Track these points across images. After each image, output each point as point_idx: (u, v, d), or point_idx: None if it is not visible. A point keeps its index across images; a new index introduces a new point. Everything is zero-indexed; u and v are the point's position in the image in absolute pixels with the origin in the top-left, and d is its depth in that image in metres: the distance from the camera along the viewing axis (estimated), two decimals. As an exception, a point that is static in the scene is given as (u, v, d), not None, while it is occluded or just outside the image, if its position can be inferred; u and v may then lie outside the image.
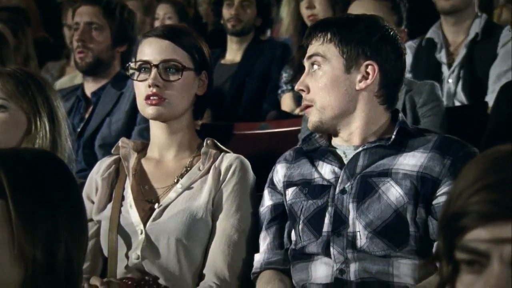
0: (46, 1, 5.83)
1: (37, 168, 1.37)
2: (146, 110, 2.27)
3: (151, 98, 2.25)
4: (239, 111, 3.82)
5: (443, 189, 1.99)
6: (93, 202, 2.31)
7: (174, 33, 2.30)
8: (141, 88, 2.27)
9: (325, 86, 2.09)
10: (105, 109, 3.19)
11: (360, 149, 2.09)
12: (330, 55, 2.10)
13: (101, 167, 2.35)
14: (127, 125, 3.10)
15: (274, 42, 4.17)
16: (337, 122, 2.11)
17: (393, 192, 2.01)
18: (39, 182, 1.35)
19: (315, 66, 2.12)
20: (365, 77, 2.09)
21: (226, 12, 4.02)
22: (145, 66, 2.27)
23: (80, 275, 1.39)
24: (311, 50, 2.14)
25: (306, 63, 2.15)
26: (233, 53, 4.04)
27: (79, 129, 3.20)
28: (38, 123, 2.34)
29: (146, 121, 2.57)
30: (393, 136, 2.07)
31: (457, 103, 3.39)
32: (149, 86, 2.24)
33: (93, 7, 3.29)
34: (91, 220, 2.28)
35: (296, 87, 2.16)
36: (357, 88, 2.10)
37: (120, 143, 2.35)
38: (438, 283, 1.04)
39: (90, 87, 3.31)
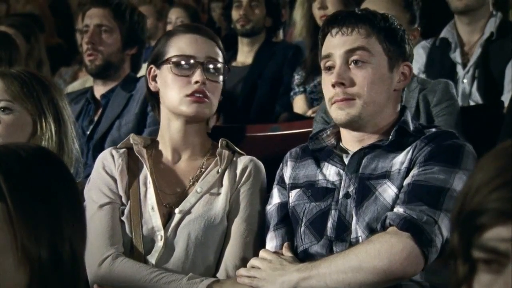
0: (60, 8, 5.86)
1: (33, 165, 1.33)
2: (188, 106, 2.19)
3: (196, 95, 2.19)
4: (251, 113, 3.79)
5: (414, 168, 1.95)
6: (113, 178, 2.20)
7: (212, 33, 2.27)
8: (181, 83, 2.20)
9: (373, 82, 2.03)
10: (114, 112, 3.17)
11: (357, 149, 2.05)
12: (375, 51, 2.04)
13: (116, 159, 2.23)
14: (137, 128, 3.07)
15: (286, 44, 4.16)
16: (371, 120, 2.05)
17: (389, 193, 1.97)
18: (37, 179, 1.32)
19: (360, 63, 2.03)
20: (401, 78, 2.07)
21: (235, 14, 4.03)
22: (188, 62, 2.21)
23: (84, 269, 1.37)
24: (353, 42, 2.04)
25: (344, 55, 2.04)
26: (245, 55, 4.02)
27: (88, 132, 3.19)
28: (44, 124, 2.31)
29: (156, 123, 2.53)
30: (390, 137, 2.03)
31: (472, 103, 3.34)
32: (195, 83, 2.18)
33: (103, 9, 3.27)
34: (111, 201, 2.17)
35: (336, 80, 2.03)
36: (395, 88, 2.07)
37: (131, 140, 2.26)
38: (454, 282, 1.00)
39: (99, 90, 3.30)
